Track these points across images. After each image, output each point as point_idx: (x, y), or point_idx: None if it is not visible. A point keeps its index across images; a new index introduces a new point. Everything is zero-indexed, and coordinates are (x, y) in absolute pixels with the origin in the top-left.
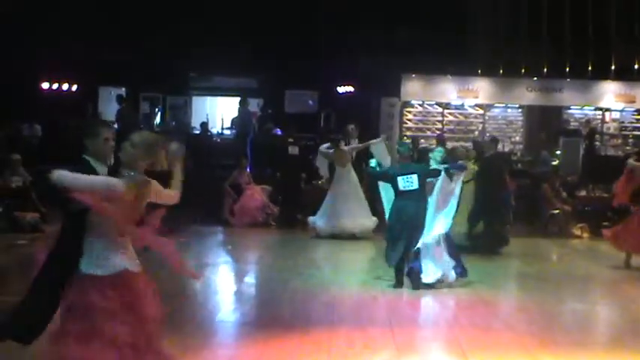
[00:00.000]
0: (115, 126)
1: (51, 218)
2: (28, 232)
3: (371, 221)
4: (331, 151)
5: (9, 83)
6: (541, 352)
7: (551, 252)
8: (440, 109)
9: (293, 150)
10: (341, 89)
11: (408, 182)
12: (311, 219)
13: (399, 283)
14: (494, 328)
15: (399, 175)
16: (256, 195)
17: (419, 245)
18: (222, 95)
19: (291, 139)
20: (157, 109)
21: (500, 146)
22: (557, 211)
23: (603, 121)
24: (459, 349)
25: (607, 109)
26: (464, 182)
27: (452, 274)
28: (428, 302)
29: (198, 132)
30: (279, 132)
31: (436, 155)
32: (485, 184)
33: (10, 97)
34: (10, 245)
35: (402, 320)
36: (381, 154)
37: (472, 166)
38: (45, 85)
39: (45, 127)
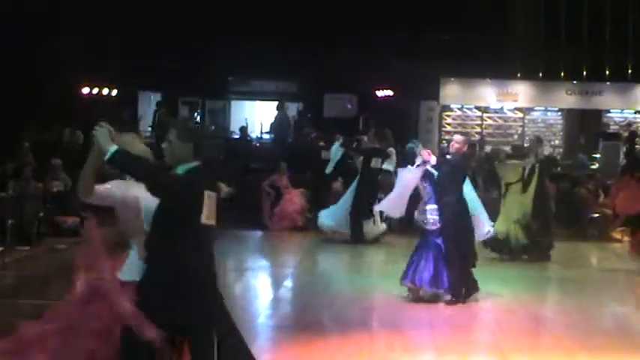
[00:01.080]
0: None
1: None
2: (69, 236)
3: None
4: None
5: (49, 88)
6: (582, 355)
7: (592, 256)
8: (479, 113)
9: (325, 155)
10: (380, 93)
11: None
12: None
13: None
14: (534, 332)
15: None
16: (295, 199)
17: None
18: (261, 99)
19: (322, 143)
20: (195, 114)
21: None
22: (597, 215)
23: None
24: (499, 352)
25: None
26: (510, 184)
27: None
28: (468, 306)
29: (237, 136)
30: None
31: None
32: (540, 187)
33: (50, 102)
34: (51, 250)
35: (442, 324)
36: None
37: (521, 166)
38: (85, 90)
39: (84, 132)
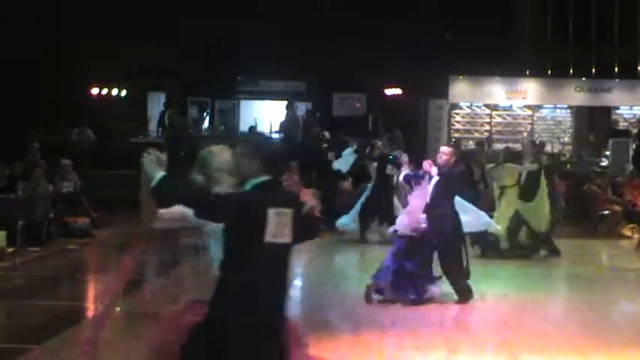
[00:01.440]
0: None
1: (101, 223)
2: (79, 237)
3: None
4: None
5: (58, 89)
6: (593, 352)
7: (602, 253)
8: (488, 111)
9: (331, 155)
10: (389, 92)
11: None
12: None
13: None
14: (545, 330)
15: None
16: (305, 198)
17: None
18: (270, 99)
19: (325, 145)
20: (205, 114)
21: (548, 147)
22: (606, 212)
23: None
24: (509, 351)
25: None
26: (505, 187)
27: None
28: (478, 304)
29: None
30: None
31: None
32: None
33: (60, 103)
34: (61, 250)
35: (452, 323)
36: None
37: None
38: (94, 91)
39: (94, 132)
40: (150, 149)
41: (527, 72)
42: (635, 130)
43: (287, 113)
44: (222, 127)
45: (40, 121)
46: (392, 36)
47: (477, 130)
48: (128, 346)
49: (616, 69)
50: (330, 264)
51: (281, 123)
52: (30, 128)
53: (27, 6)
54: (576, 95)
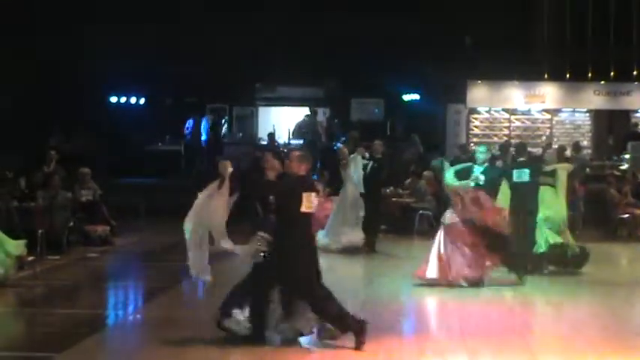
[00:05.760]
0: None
1: (121, 231)
2: (99, 245)
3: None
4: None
5: (77, 97)
6: (613, 357)
7: (622, 257)
8: (507, 115)
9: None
10: (406, 97)
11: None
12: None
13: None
14: (565, 334)
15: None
16: (327, 205)
17: None
18: (288, 105)
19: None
20: (223, 120)
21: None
22: (626, 215)
23: None
24: (530, 355)
25: None
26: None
27: None
28: (498, 309)
29: (265, 142)
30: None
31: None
32: None
33: (78, 111)
34: (81, 258)
35: (472, 327)
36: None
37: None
38: (113, 99)
39: (112, 140)
40: None
41: (546, 76)
42: None
43: (309, 119)
44: (239, 134)
45: (59, 129)
46: (410, 41)
47: (495, 135)
48: None
49: (635, 72)
50: (350, 269)
51: (303, 131)
52: (49, 136)
53: (46, 13)
54: (595, 99)
